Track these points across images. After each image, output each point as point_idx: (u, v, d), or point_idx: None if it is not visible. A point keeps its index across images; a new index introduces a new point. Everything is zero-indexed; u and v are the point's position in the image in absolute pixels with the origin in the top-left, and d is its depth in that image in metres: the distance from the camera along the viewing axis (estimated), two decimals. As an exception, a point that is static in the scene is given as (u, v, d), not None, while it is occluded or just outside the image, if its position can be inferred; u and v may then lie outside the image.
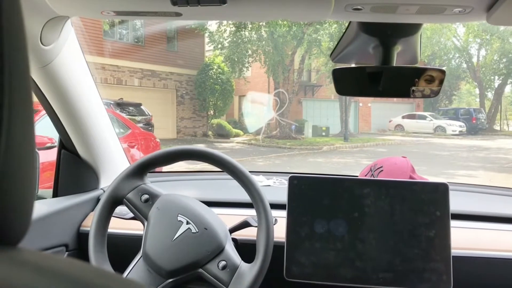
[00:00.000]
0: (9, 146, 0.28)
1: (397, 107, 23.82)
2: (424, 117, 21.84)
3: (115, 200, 1.13)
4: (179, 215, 1.09)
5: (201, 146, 1.14)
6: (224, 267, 1.06)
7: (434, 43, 20.33)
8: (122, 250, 1.23)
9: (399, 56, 0.93)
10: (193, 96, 17.10)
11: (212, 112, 17.34)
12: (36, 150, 1.40)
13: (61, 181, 1.42)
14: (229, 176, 1.14)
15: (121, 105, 9.77)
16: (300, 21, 1.05)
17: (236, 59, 16.38)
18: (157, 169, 1.39)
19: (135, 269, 1.07)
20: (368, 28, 0.89)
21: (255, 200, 1.10)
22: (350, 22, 0.92)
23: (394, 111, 22.95)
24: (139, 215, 1.12)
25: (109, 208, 1.13)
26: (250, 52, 16.60)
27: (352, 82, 0.96)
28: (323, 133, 17.80)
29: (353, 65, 1.08)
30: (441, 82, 0.90)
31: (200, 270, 1.06)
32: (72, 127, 1.33)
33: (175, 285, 1.07)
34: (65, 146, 1.41)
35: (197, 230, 1.08)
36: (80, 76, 1.27)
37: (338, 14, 0.82)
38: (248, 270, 1.05)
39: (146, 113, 10.39)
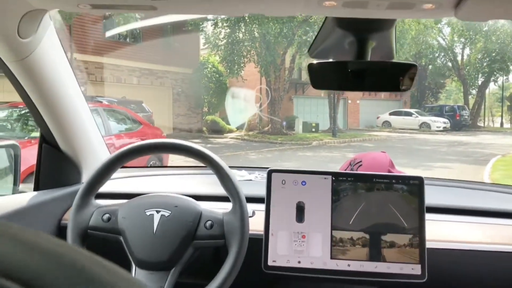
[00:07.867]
0: None
1: (385, 104, 24.20)
2: (410, 114, 22.44)
3: (82, 236, 1.11)
4: (145, 210, 1.10)
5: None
6: (211, 226, 1.08)
7: (419, 42, 20.77)
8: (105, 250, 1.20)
9: (374, 51, 0.93)
10: (188, 93, 17.32)
11: (206, 109, 17.68)
12: (16, 143, 1.53)
13: (43, 175, 1.39)
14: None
15: (123, 102, 9.96)
16: (273, 15, 1.15)
17: (231, 60, 16.57)
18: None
19: None
20: (342, 23, 0.89)
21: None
22: (326, 17, 0.93)
23: (382, 108, 23.38)
24: (112, 235, 1.10)
25: (81, 242, 1.11)
26: (244, 53, 16.77)
27: (327, 76, 0.96)
28: (313, 129, 18.06)
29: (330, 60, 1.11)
30: (413, 76, 0.91)
31: (194, 241, 1.08)
32: (53, 120, 1.30)
33: (182, 268, 1.08)
34: (46, 140, 1.38)
35: (170, 212, 1.09)
36: (60, 69, 1.25)
37: (310, 9, 0.82)
38: (233, 215, 1.09)
39: (147, 110, 10.56)
